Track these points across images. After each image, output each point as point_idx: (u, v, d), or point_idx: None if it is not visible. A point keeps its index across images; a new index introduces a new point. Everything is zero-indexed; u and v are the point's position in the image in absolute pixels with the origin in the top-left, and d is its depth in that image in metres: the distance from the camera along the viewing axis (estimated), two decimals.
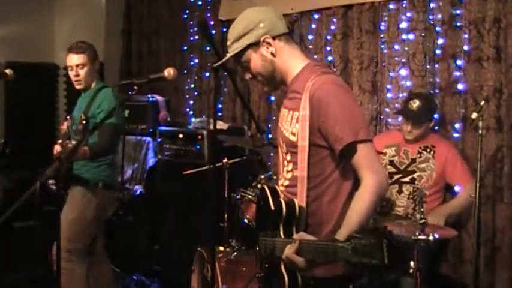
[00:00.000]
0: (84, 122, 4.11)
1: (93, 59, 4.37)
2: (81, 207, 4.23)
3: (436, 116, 4.24)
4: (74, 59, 4.31)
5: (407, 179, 4.16)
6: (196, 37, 6.38)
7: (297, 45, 2.68)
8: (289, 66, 2.57)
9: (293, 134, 2.52)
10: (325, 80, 2.45)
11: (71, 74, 4.35)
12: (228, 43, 2.60)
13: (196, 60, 6.48)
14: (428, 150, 4.13)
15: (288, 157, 2.58)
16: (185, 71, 6.54)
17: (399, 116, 4.32)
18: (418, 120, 4.10)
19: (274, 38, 2.54)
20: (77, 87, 4.38)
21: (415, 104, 4.09)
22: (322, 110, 2.38)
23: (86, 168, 4.25)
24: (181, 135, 5.13)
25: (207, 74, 6.31)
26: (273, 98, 5.55)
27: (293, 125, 2.53)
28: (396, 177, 4.21)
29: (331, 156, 2.46)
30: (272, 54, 2.54)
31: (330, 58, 5.12)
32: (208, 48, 6.25)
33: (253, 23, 2.53)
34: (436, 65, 4.44)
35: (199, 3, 6.46)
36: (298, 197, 2.47)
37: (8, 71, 3.67)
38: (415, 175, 4.14)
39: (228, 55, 2.60)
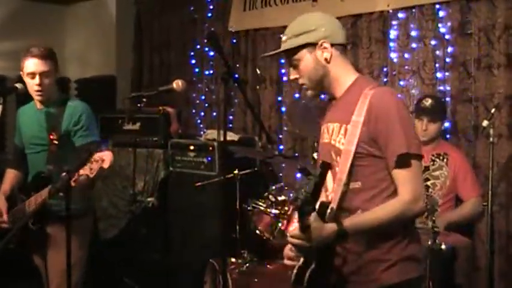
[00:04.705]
0: (55, 142, 3.57)
1: (57, 68, 3.72)
2: (77, 245, 3.59)
3: (446, 121, 4.22)
4: (38, 65, 3.57)
5: None
6: (207, 49, 6.39)
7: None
8: (340, 77, 2.52)
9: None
10: (385, 91, 2.46)
11: (32, 82, 3.61)
12: (284, 38, 2.56)
13: (207, 72, 6.49)
14: (441, 157, 4.11)
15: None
16: (196, 83, 6.56)
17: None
18: (433, 115, 4.07)
19: (332, 45, 2.49)
20: (38, 98, 3.69)
21: (428, 102, 4.10)
22: (381, 120, 2.35)
23: (78, 196, 3.40)
24: (192, 147, 5.14)
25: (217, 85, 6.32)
26: (283, 108, 5.56)
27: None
28: None
29: (388, 169, 2.39)
30: (326, 60, 2.49)
31: None
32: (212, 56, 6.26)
33: (315, 25, 2.50)
34: (447, 73, 4.43)
35: (209, 15, 6.48)
36: (333, 200, 2.40)
37: (18, 85, 3.64)
38: (428, 183, 4.10)
39: (283, 47, 2.55)
